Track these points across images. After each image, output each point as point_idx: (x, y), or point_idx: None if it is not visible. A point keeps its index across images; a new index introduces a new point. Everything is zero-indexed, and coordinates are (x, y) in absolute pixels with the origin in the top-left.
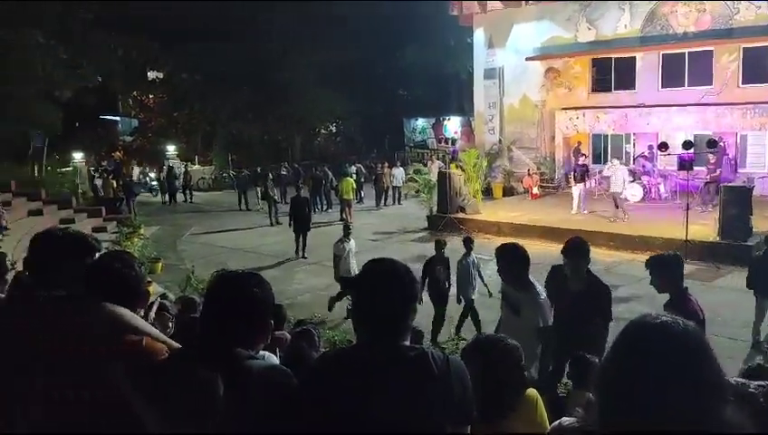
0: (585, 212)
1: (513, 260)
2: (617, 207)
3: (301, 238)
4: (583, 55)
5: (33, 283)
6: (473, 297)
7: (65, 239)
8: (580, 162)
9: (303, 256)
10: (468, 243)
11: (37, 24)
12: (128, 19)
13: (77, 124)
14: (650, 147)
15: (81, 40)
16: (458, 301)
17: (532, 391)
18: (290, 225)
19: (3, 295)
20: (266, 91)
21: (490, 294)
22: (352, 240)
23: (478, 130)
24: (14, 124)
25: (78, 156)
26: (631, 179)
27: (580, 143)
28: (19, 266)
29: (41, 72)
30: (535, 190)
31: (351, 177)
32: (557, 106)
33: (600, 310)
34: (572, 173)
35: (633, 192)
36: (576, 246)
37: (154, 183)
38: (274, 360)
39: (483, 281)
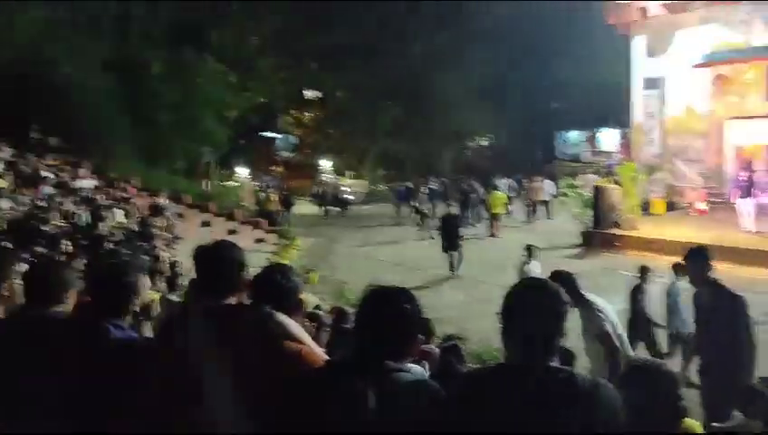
0: (754, 232)
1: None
2: None
3: (451, 256)
4: (759, 60)
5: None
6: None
7: (226, 252)
8: (741, 176)
9: (453, 272)
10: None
11: (212, 51)
12: (290, 44)
13: (241, 142)
14: None
15: (248, 65)
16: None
17: (690, 422)
18: (442, 245)
19: (178, 299)
20: (418, 106)
21: None
22: (535, 261)
23: (636, 143)
24: (190, 143)
25: (242, 171)
26: None
27: (753, 155)
28: (192, 274)
29: (213, 95)
30: (701, 205)
31: (500, 191)
32: (726, 115)
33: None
34: (736, 188)
35: None
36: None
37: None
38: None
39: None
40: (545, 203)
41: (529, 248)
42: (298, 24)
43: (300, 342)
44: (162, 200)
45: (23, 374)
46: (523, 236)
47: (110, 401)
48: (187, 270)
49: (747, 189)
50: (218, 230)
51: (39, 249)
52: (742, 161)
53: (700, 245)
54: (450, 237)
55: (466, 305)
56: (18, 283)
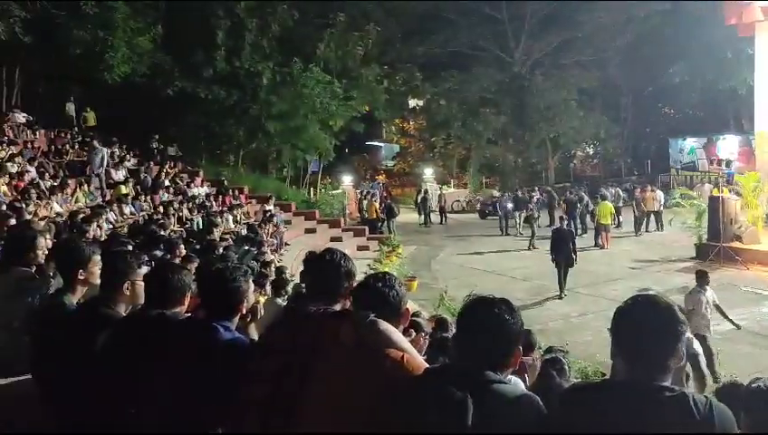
0: None
1: None
2: None
3: (563, 273)
4: None
5: (308, 297)
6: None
7: (334, 259)
8: None
9: (561, 296)
10: (702, 278)
11: (318, 62)
12: (393, 53)
13: (346, 150)
14: None
15: (354, 75)
16: None
17: None
18: (552, 259)
19: (283, 302)
20: (520, 114)
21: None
22: (710, 290)
23: (760, 150)
24: (296, 151)
25: (346, 179)
26: None
27: None
28: (296, 279)
29: (319, 104)
30: None
31: (608, 200)
32: None
33: None
34: None
35: None
36: None
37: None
38: (521, 386)
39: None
40: (656, 214)
41: (701, 275)
42: (400, 33)
43: (401, 349)
44: (270, 207)
45: (141, 371)
46: (634, 248)
47: (216, 400)
48: (294, 275)
49: None
50: (322, 237)
51: (157, 253)
52: None
53: None
54: (564, 253)
55: (571, 318)
56: (140, 283)
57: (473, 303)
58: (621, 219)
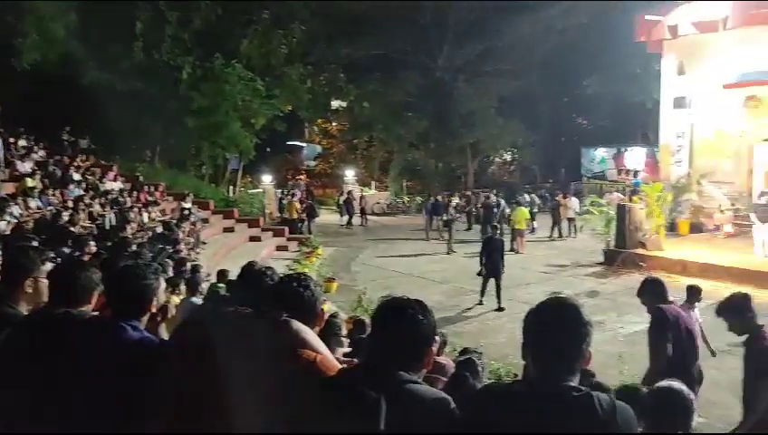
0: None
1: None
2: None
3: (494, 284)
4: None
5: (231, 298)
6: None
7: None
8: (762, 201)
9: (500, 308)
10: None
11: (241, 59)
12: (318, 53)
13: (267, 150)
14: None
15: (277, 73)
16: None
17: None
18: (480, 269)
19: (199, 302)
20: (442, 119)
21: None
22: (697, 308)
23: (664, 162)
24: (216, 149)
25: (267, 179)
26: None
27: None
28: (213, 278)
29: (241, 101)
30: (728, 228)
31: (524, 206)
32: (758, 137)
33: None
34: (755, 213)
35: None
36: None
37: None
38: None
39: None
40: (571, 220)
41: (693, 291)
42: (325, 34)
43: (315, 350)
44: (187, 205)
45: (43, 373)
46: (547, 253)
47: (123, 402)
48: (210, 274)
49: (764, 215)
50: (241, 236)
51: (65, 249)
52: None
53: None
54: (493, 262)
55: (486, 320)
56: (44, 281)
57: (387, 303)
58: (536, 225)
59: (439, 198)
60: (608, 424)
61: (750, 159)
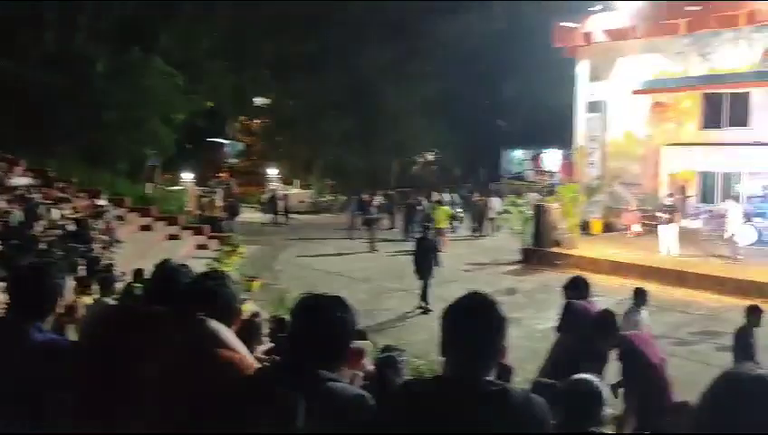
0: (674, 254)
1: None
2: (730, 249)
3: (426, 285)
4: (694, 90)
5: (143, 297)
6: None
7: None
8: (667, 202)
9: (424, 307)
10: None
11: (161, 52)
12: (241, 49)
13: (188, 146)
14: (765, 187)
15: (198, 68)
16: None
17: None
18: (415, 270)
19: (112, 302)
20: (367, 118)
21: None
22: (645, 311)
23: (578, 164)
24: (134, 144)
25: (187, 176)
26: (744, 221)
27: (686, 181)
28: (128, 278)
29: (160, 96)
30: (636, 228)
31: (445, 205)
32: (663, 142)
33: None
34: (661, 213)
35: (745, 234)
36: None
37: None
38: (356, 383)
39: None
40: (491, 220)
41: (640, 293)
42: (249, 30)
43: (233, 349)
44: (102, 202)
45: None
46: (468, 251)
47: (29, 405)
48: (125, 273)
49: (669, 216)
50: (159, 235)
51: None
52: (674, 187)
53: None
54: (428, 264)
55: (408, 318)
56: None
57: (305, 300)
58: (457, 224)
59: (366, 196)
60: (523, 417)
61: (656, 163)
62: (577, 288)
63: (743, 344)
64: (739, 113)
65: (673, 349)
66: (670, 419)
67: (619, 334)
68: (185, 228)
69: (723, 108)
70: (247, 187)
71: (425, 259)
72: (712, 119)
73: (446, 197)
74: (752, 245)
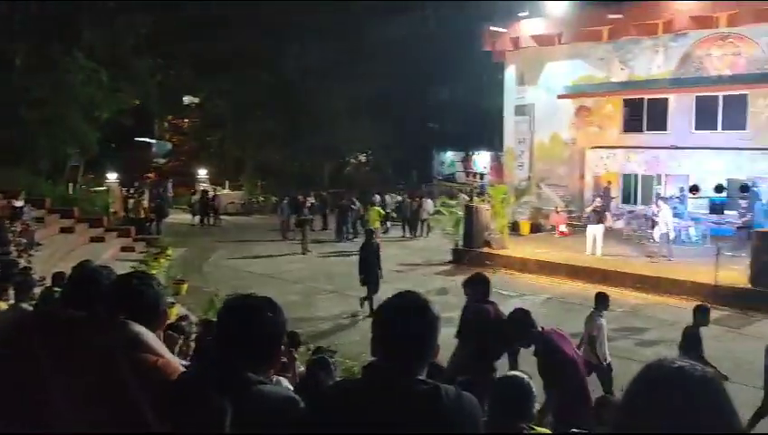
0: (598, 254)
1: None
2: (661, 247)
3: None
4: (615, 95)
5: (61, 301)
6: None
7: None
8: (595, 203)
9: (363, 307)
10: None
11: (83, 48)
12: (169, 47)
13: (113, 145)
14: (681, 189)
15: (123, 65)
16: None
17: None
18: (361, 279)
19: (30, 308)
20: (298, 119)
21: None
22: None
23: (507, 166)
24: (53, 143)
25: (112, 176)
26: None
27: (609, 183)
28: (47, 282)
29: (82, 93)
30: (563, 228)
31: (377, 206)
32: (587, 144)
33: None
34: (587, 214)
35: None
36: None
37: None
38: (285, 386)
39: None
40: (423, 221)
41: (602, 298)
42: (177, 27)
43: (156, 353)
44: (19, 203)
45: None
46: (400, 252)
47: None
48: (45, 278)
49: (597, 216)
50: (82, 237)
51: None
52: (599, 189)
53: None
54: (374, 270)
55: (340, 319)
56: None
57: (233, 301)
58: (390, 225)
59: (299, 197)
60: (455, 415)
61: (581, 165)
62: (476, 285)
63: (691, 342)
64: (657, 118)
65: None
66: (595, 412)
67: (536, 331)
68: (109, 230)
69: (642, 113)
70: (176, 187)
71: (370, 266)
72: (632, 123)
73: (377, 198)
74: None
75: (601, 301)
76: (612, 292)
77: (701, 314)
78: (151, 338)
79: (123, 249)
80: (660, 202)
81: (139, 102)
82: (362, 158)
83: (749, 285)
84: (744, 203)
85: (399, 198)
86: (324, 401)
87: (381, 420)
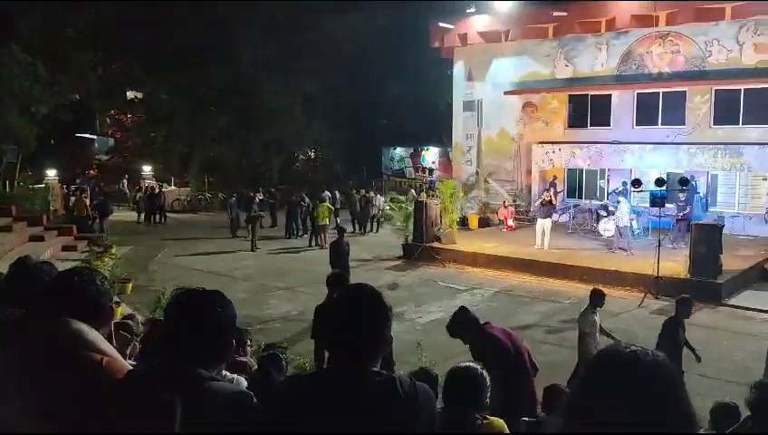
0: (546, 248)
1: None
2: (619, 241)
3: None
4: (560, 91)
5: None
6: None
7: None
8: (543, 198)
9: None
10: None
11: (19, 39)
12: (111, 39)
13: (52, 141)
14: (624, 183)
15: (62, 57)
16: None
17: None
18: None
19: None
20: (246, 115)
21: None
22: (598, 312)
23: (456, 161)
24: None
25: (51, 173)
26: (605, 215)
27: (555, 177)
28: None
29: (18, 87)
30: (510, 222)
31: (327, 202)
32: (534, 140)
33: None
34: (536, 208)
35: (607, 227)
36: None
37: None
38: (243, 384)
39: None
40: (374, 217)
41: (597, 295)
42: (120, 19)
43: (100, 351)
44: None
45: None
46: (351, 248)
47: None
48: None
49: (546, 210)
50: (20, 236)
51: None
52: (545, 183)
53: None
54: (343, 266)
55: (291, 316)
56: None
57: (181, 295)
58: (339, 220)
59: (250, 193)
60: (410, 404)
61: (528, 160)
62: (339, 284)
63: (669, 334)
64: (601, 114)
65: (545, 336)
66: (545, 401)
67: (477, 326)
68: (49, 229)
69: (587, 109)
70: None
71: (339, 263)
72: (577, 119)
73: (327, 193)
74: (612, 237)
75: (596, 298)
76: (560, 284)
77: (683, 306)
78: (95, 336)
79: (65, 248)
80: (620, 197)
81: (78, 97)
82: (311, 154)
83: (688, 276)
84: (682, 196)
85: (348, 193)
86: (278, 396)
87: (338, 412)
